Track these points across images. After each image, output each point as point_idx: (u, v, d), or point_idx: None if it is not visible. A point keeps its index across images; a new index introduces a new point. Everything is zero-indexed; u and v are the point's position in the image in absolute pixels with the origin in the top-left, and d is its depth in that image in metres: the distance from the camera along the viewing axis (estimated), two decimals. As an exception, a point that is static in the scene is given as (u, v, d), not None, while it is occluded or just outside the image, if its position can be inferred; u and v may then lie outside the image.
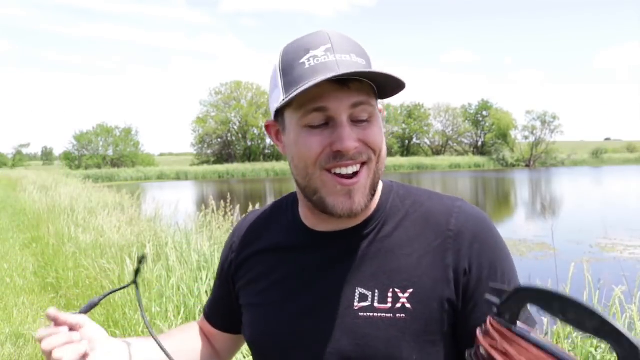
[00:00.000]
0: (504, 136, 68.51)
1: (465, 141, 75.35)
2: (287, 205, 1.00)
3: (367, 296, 0.83)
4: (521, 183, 33.77)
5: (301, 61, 0.80)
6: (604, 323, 0.52)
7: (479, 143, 73.67)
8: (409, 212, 0.89)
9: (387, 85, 0.82)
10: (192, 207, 14.60)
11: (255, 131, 67.26)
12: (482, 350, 0.62)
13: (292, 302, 0.88)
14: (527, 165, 62.98)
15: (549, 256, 8.68)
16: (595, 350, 2.78)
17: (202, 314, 1.14)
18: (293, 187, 0.97)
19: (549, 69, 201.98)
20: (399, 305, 0.81)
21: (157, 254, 5.27)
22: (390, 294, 0.82)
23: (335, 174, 0.81)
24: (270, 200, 1.07)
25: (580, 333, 0.54)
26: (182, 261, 4.85)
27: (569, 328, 2.80)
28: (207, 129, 67.64)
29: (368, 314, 0.82)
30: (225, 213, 6.69)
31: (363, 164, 0.82)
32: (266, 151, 68.55)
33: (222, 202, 6.78)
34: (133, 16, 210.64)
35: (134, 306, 4.13)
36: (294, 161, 0.85)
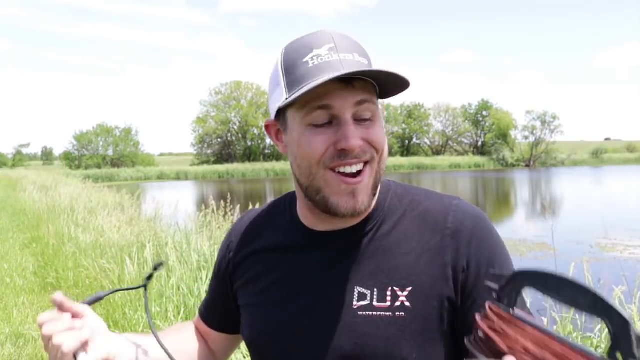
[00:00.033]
0: (504, 136, 68.53)
1: (465, 141, 75.40)
2: (285, 205, 0.99)
3: (366, 295, 0.83)
4: (521, 183, 33.77)
5: (304, 60, 0.79)
6: (596, 299, 0.54)
7: (479, 143, 73.70)
8: (407, 210, 0.89)
9: (391, 85, 0.82)
10: (192, 207, 14.61)
11: (255, 131, 67.27)
12: (480, 334, 0.64)
13: (292, 302, 0.88)
14: (527, 165, 63.00)
15: (549, 256, 8.68)
16: (596, 349, 2.77)
17: (197, 314, 1.13)
18: (293, 187, 0.97)
19: (549, 69, 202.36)
20: (398, 303, 0.81)
21: (157, 254, 5.28)
22: (389, 293, 0.82)
23: (339, 172, 0.81)
24: (270, 200, 1.06)
25: (577, 312, 0.55)
26: (182, 261, 4.85)
27: (568, 328, 2.80)
28: (207, 129, 67.66)
29: (367, 312, 0.82)
30: (225, 213, 6.69)
31: (366, 163, 0.82)
32: (266, 151, 68.56)
33: (222, 202, 6.78)
34: (133, 16, 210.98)
35: (134, 306, 4.13)
36: (296, 160, 0.84)
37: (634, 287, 3.07)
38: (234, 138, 68.72)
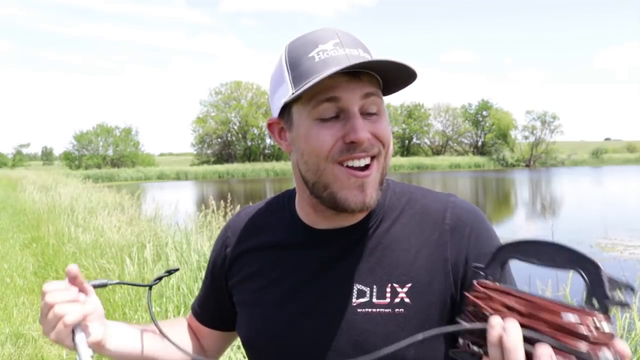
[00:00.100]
0: (504, 136, 68.52)
1: (465, 141, 75.39)
2: (283, 203, 0.99)
3: (365, 292, 0.83)
4: (521, 183, 33.77)
5: (310, 55, 0.80)
6: (571, 253, 0.58)
7: (479, 143, 73.68)
8: (405, 208, 0.89)
9: (398, 79, 0.82)
10: (192, 207, 14.60)
11: (255, 131, 67.26)
12: (470, 308, 0.67)
13: (292, 301, 0.88)
14: (527, 165, 62.99)
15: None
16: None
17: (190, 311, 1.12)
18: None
19: (549, 69, 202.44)
20: (397, 300, 0.82)
21: (157, 254, 5.28)
22: (388, 289, 0.83)
23: (347, 166, 0.81)
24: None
25: (558, 271, 0.61)
26: (182, 261, 4.85)
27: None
28: (207, 129, 67.63)
29: (366, 309, 0.82)
30: (225, 213, 6.69)
31: (373, 157, 0.82)
32: (266, 151, 68.55)
33: (222, 202, 6.79)
34: (133, 16, 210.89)
35: (134, 306, 4.14)
36: (303, 157, 0.83)
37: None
38: (234, 138, 68.71)
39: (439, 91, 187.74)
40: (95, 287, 0.89)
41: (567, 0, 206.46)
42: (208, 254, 4.91)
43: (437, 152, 74.46)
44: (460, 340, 0.67)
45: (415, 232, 0.87)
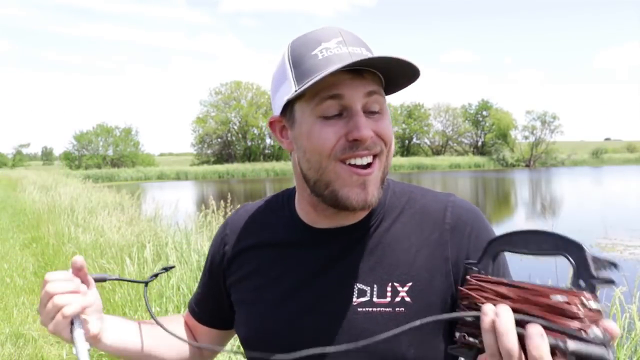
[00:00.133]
0: (504, 136, 68.51)
1: (465, 141, 75.37)
2: (283, 201, 0.98)
3: (366, 291, 0.83)
4: (521, 183, 33.76)
5: (313, 53, 0.80)
6: (556, 238, 0.60)
7: (479, 143, 73.66)
8: (405, 208, 0.90)
9: (401, 76, 0.82)
10: (192, 207, 14.60)
11: (255, 131, 67.25)
12: (464, 302, 0.68)
13: (292, 300, 0.88)
14: (527, 165, 62.97)
15: (549, 256, 8.66)
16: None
17: (187, 308, 1.12)
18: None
19: (549, 69, 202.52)
20: (398, 299, 0.82)
21: (157, 254, 5.28)
22: (389, 288, 0.83)
23: (349, 164, 0.80)
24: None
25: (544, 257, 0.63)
26: (182, 261, 4.85)
27: None
28: (207, 129, 67.62)
29: (367, 309, 0.82)
30: (225, 213, 6.69)
31: (375, 156, 0.82)
32: (266, 151, 68.55)
33: (222, 202, 6.79)
34: (133, 16, 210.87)
35: (134, 306, 4.14)
36: (305, 154, 0.83)
37: (633, 287, 3.07)
38: (234, 138, 68.68)
39: (439, 91, 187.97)
40: (96, 281, 0.89)
41: (567, 0, 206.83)
42: (208, 253, 4.91)
43: (437, 152, 74.45)
44: (457, 334, 0.68)
45: (416, 231, 0.87)
